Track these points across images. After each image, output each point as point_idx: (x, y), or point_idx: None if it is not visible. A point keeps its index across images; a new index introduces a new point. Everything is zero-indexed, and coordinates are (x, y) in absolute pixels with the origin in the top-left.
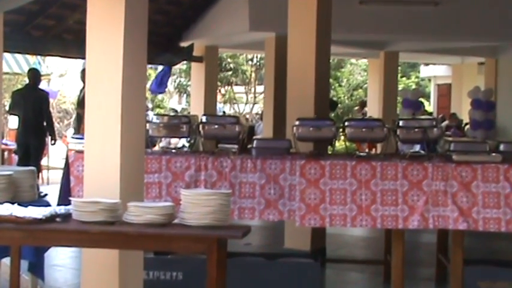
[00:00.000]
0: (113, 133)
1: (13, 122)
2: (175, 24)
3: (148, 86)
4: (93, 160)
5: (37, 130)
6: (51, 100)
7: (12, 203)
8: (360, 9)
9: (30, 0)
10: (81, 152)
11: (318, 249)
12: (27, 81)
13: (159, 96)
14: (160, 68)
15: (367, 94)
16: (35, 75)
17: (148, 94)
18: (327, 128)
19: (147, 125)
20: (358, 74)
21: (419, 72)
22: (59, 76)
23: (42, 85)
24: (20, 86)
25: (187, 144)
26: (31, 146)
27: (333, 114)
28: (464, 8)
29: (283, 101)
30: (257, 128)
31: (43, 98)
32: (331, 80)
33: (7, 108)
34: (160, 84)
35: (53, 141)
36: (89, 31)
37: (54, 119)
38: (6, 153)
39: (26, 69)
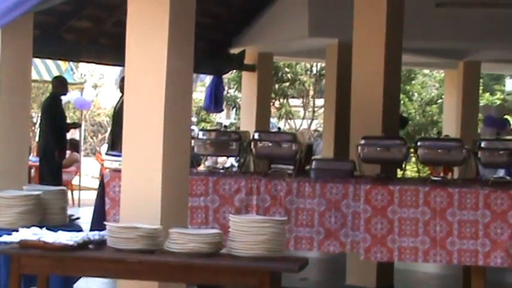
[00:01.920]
0: (154, 150)
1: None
2: (225, 28)
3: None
4: (131, 180)
5: (43, 146)
6: (84, 112)
7: (41, 227)
8: (436, 13)
9: (63, 0)
10: (118, 170)
11: (384, 287)
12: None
13: None
14: (208, 79)
15: (442, 110)
16: (59, 83)
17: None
18: (397, 148)
19: (192, 141)
20: (432, 86)
21: (504, 85)
22: (93, 86)
23: (74, 95)
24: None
25: (236, 164)
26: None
27: (402, 133)
28: None
29: (347, 117)
30: (316, 147)
31: (50, 107)
32: (401, 94)
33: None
34: (216, 101)
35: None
36: (129, 35)
37: (87, 133)
38: (33, 170)
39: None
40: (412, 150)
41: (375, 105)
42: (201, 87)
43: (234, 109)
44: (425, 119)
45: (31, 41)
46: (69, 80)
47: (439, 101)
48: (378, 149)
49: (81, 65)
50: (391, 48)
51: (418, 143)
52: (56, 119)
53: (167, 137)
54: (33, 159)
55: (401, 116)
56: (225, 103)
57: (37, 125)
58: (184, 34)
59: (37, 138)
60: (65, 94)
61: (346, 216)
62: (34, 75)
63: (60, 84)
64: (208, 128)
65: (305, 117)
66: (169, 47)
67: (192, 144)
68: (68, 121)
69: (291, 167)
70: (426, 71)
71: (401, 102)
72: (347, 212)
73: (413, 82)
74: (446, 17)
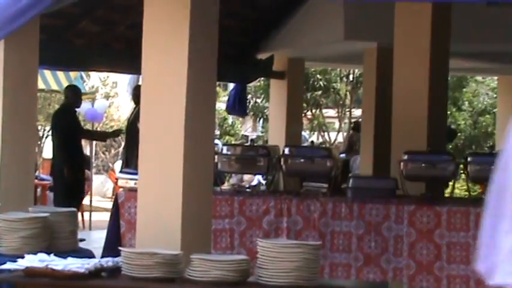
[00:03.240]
0: (173, 167)
1: (48, 150)
2: (252, 31)
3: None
4: (148, 201)
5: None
6: (95, 124)
7: (48, 253)
8: (488, 13)
9: (73, 1)
10: (134, 190)
11: None
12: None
13: (229, 120)
14: (231, 86)
15: (495, 121)
16: (71, 94)
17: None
18: (444, 164)
19: (215, 157)
20: (485, 95)
21: None
22: (106, 96)
23: (85, 106)
24: (57, 106)
25: (264, 182)
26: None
27: (451, 147)
28: None
29: (387, 129)
30: (353, 163)
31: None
32: (449, 103)
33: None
34: (240, 103)
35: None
36: (145, 39)
37: (99, 148)
38: (39, 189)
39: (66, 85)
40: (461, 166)
41: (419, 116)
42: (224, 96)
43: (261, 121)
44: (476, 131)
45: (37, 47)
46: None
47: (493, 110)
48: (423, 165)
49: (92, 73)
50: (437, 52)
51: (469, 159)
52: (67, 134)
53: (188, 153)
54: (44, 177)
55: (449, 128)
56: (251, 114)
57: (43, 140)
58: (207, 38)
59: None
60: (78, 106)
61: (387, 240)
62: (40, 85)
63: (72, 95)
64: (233, 142)
65: (340, 130)
66: (190, 53)
67: (216, 160)
68: (104, 129)
69: (326, 186)
70: (478, 78)
71: (449, 112)
72: (388, 235)
73: (463, 90)
74: (500, 17)
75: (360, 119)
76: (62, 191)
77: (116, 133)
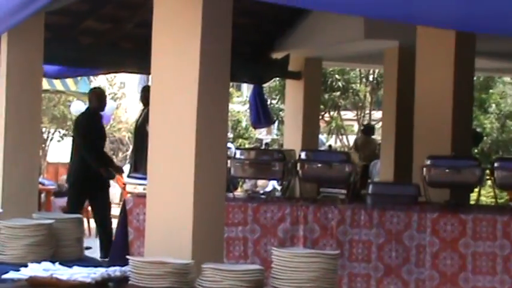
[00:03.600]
0: (184, 172)
1: (53, 154)
2: (266, 29)
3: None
4: (157, 207)
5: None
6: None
7: (53, 262)
8: None
9: None
10: (142, 196)
11: None
12: (72, 100)
13: (243, 123)
14: (245, 88)
15: None
16: (94, 97)
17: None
18: (469, 169)
19: (228, 161)
20: None
21: None
22: (113, 97)
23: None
24: (62, 107)
25: (279, 188)
26: None
27: (476, 151)
28: None
29: (409, 133)
30: (372, 168)
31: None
32: (474, 105)
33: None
34: (264, 113)
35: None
36: (155, 38)
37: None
38: (43, 195)
39: (71, 85)
40: (487, 172)
41: (443, 118)
42: (237, 97)
43: (276, 123)
44: (504, 135)
45: (42, 45)
46: (84, 90)
47: None
48: (447, 170)
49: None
50: (462, 51)
51: (495, 164)
52: (89, 141)
53: (200, 157)
54: (47, 182)
55: (474, 131)
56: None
57: (48, 142)
58: (220, 37)
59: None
60: (102, 110)
61: (409, 249)
62: (45, 85)
63: (96, 99)
64: (247, 145)
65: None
66: (202, 52)
67: (228, 165)
68: (112, 132)
69: (344, 192)
70: (506, 78)
71: (475, 115)
72: (410, 245)
73: (490, 91)
74: None
75: (373, 122)
76: (80, 201)
77: (118, 170)
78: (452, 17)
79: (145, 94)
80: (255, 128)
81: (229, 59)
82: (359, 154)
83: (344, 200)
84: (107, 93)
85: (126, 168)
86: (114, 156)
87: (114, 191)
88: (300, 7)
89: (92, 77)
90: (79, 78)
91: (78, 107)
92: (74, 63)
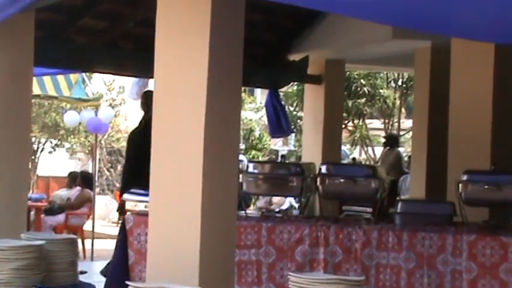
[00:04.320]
0: (190, 187)
1: (44, 166)
2: (283, 27)
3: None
4: (161, 227)
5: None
6: (99, 136)
7: None
8: None
9: None
10: (144, 214)
11: None
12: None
13: (256, 132)
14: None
15: None
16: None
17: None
18: (511, 186)
19: (240, 176)
20: None
21: None
22: (111, 103)
23: (87, 115)
24: (54, 115)
25: (297, 206)
26: None
27: None
28: None
29: (443, 144)
30: (402, 184)
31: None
32: None
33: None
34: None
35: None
36: (159, 38)
37: (103, 164)
38: (33, 212)
39: (65, 90)
40: None
41: (481, 127)
42: (250, 104)
43: (294, 133)
44: None
45: (32, 46)
46: (79, 96)
47: None
48: (486, 187)
49: (96, 75)
50: (502, 51)
51: None
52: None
53: (208, 171)
54: (36, 196)
55: None
56: None
57: (38, 154)
58: (231, 37)
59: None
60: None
61: (443, 275)
62: (35, 89)
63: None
64: (261, 158)
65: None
66: (211, 54)
67: (240, 179)
68: (110, 141)
69: (370, 210)
70: None
71: None
72: (444, 270)
73: None
74: None
75: (402, 132)
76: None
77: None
78: (491, 29)
79: (146, 101)
80: (273, 137)
81: (241, 62)
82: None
83: (370, 219)
84: (104, 99)
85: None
86: (112, 170)
87: (113, 208)
88: (327, 11)
89: (87, 81)
90: (74, 82)
91: (72, 117)
92: (67, 66)
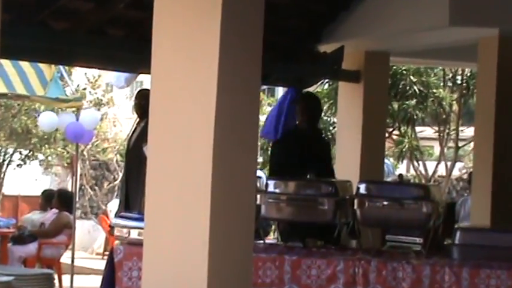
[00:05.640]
0: (195, 211)
1: (11, 183)
2: (312, 12)
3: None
4: (158, 260)
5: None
6: (81, 146)
7: None
8: None
9: None
10: (136, 243)
11: None
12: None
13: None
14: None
15: None
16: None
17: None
18: None
19: (258, 197)
20: None
21: None
22: (96, 104)
23: (66, 119)
24: (25, 119)
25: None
26: None
27: None
28: None
29: None
30: (461, 207)
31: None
32: None
33: None
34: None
35: None
36: (157, 25)
37: (85, 181)
38: None
39: (38, 89)
40: None
41: None
42: (269, 106)
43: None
44: None
45: None
46: (56, 95)
47: None
48: None
49: (78, 70)
50: None
51: None
52: None
53: (217, 190)
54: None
55: None
56: None
57: (4, 168)
58: (248, 23)
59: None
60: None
61: None
62: (1, 88)
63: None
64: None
65: (443, 158)
66: (222, 45)
67: (258, 201)
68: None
69: (420, 241)
70: None
71: None
72: None
73: None
74: None
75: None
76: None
77: None
78: None
79: (141, 102)
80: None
81: (260, 53)
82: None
83: (420, 252)
84: (88, 100)
85: (114, 204)
86: (97, 188)
87: (97, 236)
88: None
89: (66, 78)
90: (49, 78)
91: (49, 119)
92: (41, 58)
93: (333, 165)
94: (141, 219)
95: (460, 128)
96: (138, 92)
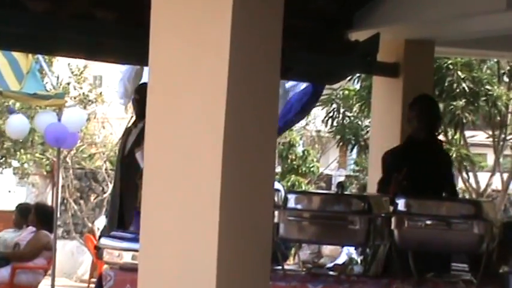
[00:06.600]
0: (201, 230)
1: None
2: None
3: None
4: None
5: None
6: (63, 151)
7: None
8: None
9: None
10: (130, 268)
11: None
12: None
13: (298, 149)
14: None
15: None
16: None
17: None
18: None
19: (276, 214)
20: None
21: None
22: (81, 101)
23: (46, 119)
24: None
25: (359, 260)
26: None
27: None
28: None
29: None
30: None
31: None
32: None
33: None
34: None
35: None
36: (155, 8)
37: (68, 193)
38: None
39: (12, 83)
40: None
41: None
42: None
43: (355, 150)
44: None
45: None
46: (34, 91)
47: None
48: None
49: (60, 61)
50: None
51: None
52: None
53: (227, 205)
54: None
55: None
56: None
57: None
58: (265, 6)
59: None
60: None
61: None
62: None
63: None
64: (305, 187)
65: (498, 168)
66: (234, 29)
67: (276, 219)
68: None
69: (470, 268)
70: None
71: None
72: None
73: None
74: None
75: None
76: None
77: None
78: None
79: (140, 97)
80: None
81: (280, 42)
82: None
83: (471, 281)
84: (71, 96)
85: (102, 221)
86: (82, 201)
87: (83, 259)
88: None
89: (46, 70)
90: (25, 71)
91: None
92: (17, 46)
93: (455, 185)
94: (135, 240)
95: None
96: (140, 86)
